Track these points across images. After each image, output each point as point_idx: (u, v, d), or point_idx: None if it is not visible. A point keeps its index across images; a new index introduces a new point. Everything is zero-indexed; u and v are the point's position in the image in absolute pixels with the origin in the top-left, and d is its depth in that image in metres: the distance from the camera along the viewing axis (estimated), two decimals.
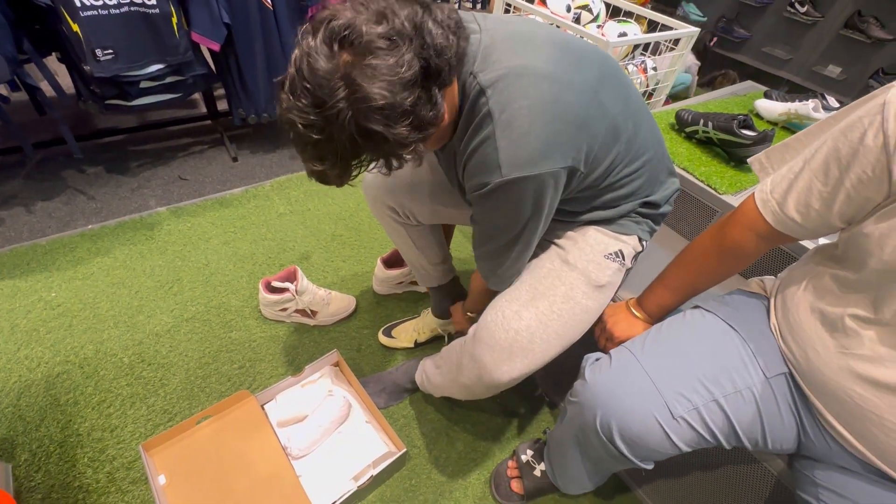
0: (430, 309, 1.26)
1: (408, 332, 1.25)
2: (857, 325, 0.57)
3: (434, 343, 1.30)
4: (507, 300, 0.82)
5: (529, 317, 0.78)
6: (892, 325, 0.53)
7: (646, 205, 0.84)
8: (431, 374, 1.02)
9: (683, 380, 0.65)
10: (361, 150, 0.58)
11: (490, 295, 0.89)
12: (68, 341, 1.18)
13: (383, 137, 0.55)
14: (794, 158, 0.65)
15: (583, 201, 0.79)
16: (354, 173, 0.63)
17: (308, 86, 0.53)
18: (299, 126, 0.55)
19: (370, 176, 1.04)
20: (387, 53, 0.53)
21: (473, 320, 1.01)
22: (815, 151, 0.59)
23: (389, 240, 1.60)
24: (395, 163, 0.62)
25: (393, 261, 1.38)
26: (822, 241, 0.86)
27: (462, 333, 1.14)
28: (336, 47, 0.53)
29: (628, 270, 0.89)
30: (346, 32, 0.53)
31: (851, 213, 0.57)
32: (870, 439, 0.57)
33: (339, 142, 0.55)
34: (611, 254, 0.83)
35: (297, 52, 0.54)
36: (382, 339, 1.26)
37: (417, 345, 1.26)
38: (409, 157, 0.62)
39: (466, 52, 0.64)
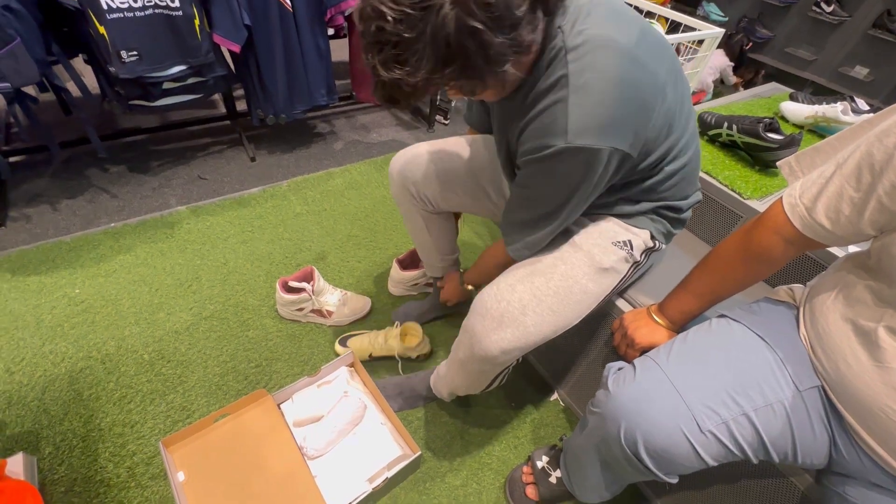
0: (390, 329, 1.24)
1: (363, 344, 1.21)
2: (891, 337, 0.55)
3: (389, 361, 1.25)
4: (504, 276, 0.82)
5: (523, 290, 0.78)
6: None
7: (667, 208, 0.83)
8: (440, 368, 1.04)
9: (711, 392, 0.63)
10: (452, 59, 0.51)
11: (499, 270, 0.87)
12: (91, 337, 1.21)
13: (482, 44, 0.50)
14: (824, 163, 0.63)
15: (612, 190, 0.77)
16: (434, 86, 0.55)
17: None
18: (389, 18, 0.48)
19: (396, 159, 1.05)
20: None
21: (469, 295, 1.03)
22: (847, 156, 0.57)
23: (405, 241, 1.61)
24: (479, 87, 0.57)
25: (409, 262, 1.38)
26: (853, 248, 0.83)
27: (449, 305, 1.19)
28: None
29: (637, 265, 0.87)
30: None
31: (884, 222, 0.55)
32: None
33: (430, 42, 0.49)
34: (619, 241, 0.82)
35: None
36: (338, 347, 1.23)
37: (372, 358, 1.23)
38: (494, 83, 0.58)
39: None
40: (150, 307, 1.29)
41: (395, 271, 1.37)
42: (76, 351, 1.17)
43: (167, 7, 1.33)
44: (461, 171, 1.01)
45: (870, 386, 0.56)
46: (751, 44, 2.77)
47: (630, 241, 0.83)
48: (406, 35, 0.49)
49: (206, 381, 1.15)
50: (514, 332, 0.77)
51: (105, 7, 1.24)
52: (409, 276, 1.38)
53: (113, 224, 1.53)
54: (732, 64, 2.63)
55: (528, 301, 0.77)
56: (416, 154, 1.03)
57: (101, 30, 1.27)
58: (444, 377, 1.02)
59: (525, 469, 1.04)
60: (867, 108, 1.27)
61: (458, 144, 1.03)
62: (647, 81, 0.63)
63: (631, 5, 1.63)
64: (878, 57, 2.59)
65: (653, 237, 0.85)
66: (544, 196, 0.70)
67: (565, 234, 0.83)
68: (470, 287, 1.09)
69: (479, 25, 0.49)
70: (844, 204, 0.57)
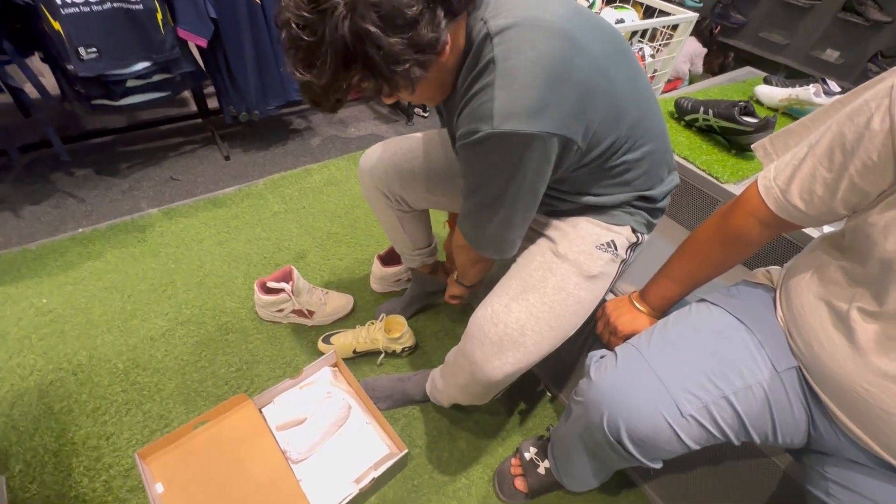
0: (373, 321, 1.22)
1: (347, 340, 1.20)
2: (862, 318, 0.55)
3: (372, 356, 1.23)
4: (496, 295, 0.80)
5: (519, 309, 0.76)
6: None
7: (642, 198, 0.82)
8: (437, 381, 1.01)
9: (691, 376, 0.63)
10: (352, 60, 0.53)
11: (477, 265, 0.88)
12: (61, 348, 1.16)
13: (376, 45, 0.51)
14: (798, 144, 0.63)
15: (577, 183, 0.76)
16: (343, 87, 0.57)
17: None
18: (293, 26, 0.52)
19: (365, 160, 1.02)
20: None
21: (465, 291, 1.06)
22: (819, 137, 0.57)
23: (386, 237, 1.58)
24: (386, 88, 0.58)
25: (390, 258, 1.36)
26: (828, 229, 0.84)
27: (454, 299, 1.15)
28: None
29: (624, 262, 0.87)
30: None
31: (855, 201, 0.55)
32: (878, 433, 0.56)
33: (330, 45, 0.51)
34: (602, 244, 0.81)
35: None
36: (321, 345, 1.21)
37: (356, 354, 1.21)
38: (402, 83, 0.58)
39: None
40: (122, 314, 1.25)
41: (377, 267, 1.35)
42: (45, 363, 1.13)
43: (127, 1, 1.27)
44: (435, 169, 0.98)
45: (842, 366, 0.56)
46: (719, 27, 2.80)
47: (613, 241, 0.82)
48: (309, 39, 0.52)
49: (185, 387, 1.12)
50: (516, 354, 0.77)
51: (59, 2, 1.18)
52: (391, 271, 1.36)
53: (81, 229, 1.47)
54: (706, 50, 2.65)
55: (525, 320, 0.76)
56: (387, 154, 0.99)
57: (56, 26, 1.21)
58: (444, 392, 0.99)
59: (513, 461, 1.04)
60: (838, 89, 1.28)
61: (430, 140, 1.00)
62: (583, 61, 0.61)
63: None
64: (847, 40, 2.64)
65: (634, 231, 0.85)
66: (482, 182, 0.68)
67: (549, 246, 0.82)
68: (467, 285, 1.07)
69: (371, 27, 0.50)
70: (818, 184, 0.57)
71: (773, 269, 0.77)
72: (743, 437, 0.65)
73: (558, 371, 1.17)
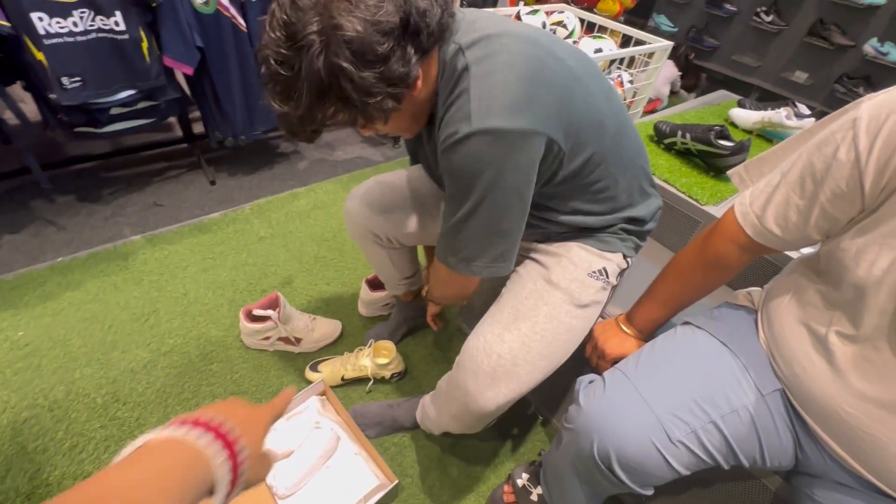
0: (361, 347, 1.21)
1: (335, 368, 1.18)
2: (841, 341, 0.56)
3: (361, 383, 1.21)
4: (488, 324, 0.80)
5: (512, 339, 0.76)
6: (872, 341, 0.53)
7: (630, 220, 0.84)
8: (428, 408, 1.00)
9: (679, 402, 0.63)
10: (326, 93, 0.56)
11: (446, 285, 0.83)
12: (37, 383, 1.12)
13: (349, 79, 0.54)
14: (771, 171, 0.65)
15: (563, 198, 0.77)
16: (319, 118, 0.59)
17: (285, 17, 0.53)
18: (271, 61, 0.54)
19: (351, 203, 1.01)
20: None
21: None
22: (791, 165, 0.60)
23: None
24: (360, 119, 0.61)
25: (378, 282, 1.35)
26: (806, 250, 0.87)
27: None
28: None
29: (614, 288, 0.88)
30: None
31: (828, 227, 0.57)
32: (861, 455, 0.57)
33: (306, 79, 0.54)
34: (595, 272, 0.82)
35: None
36: (309, 373, 1.19)
37: (345, 381, 1.19)
38: (376, 114, 0.59)
39: (450, 28, 0.63)
40: (102, 346, 1.22)
41: (365, 292, 1.34)
42: (20, 399, 1.08)
43: (112, 31, 1.28)
44: (425, 205, 0.98)
45: (824, 389, 0.57)
46: (694, 54, 2.92)
47: (605, 269, 0.84)
48: (286, 74, 0.54)
49: (167, 421, 1.08)
50: (509, 385, 0.77)
51: (42, 32, 1.18)
52: (380, 296, 1.35)
53: (60, 258, 1.44)
54: (680, 73, 2.76)
55: (517, 350, 0.76)
56: (374, 196, 0.99)
57: (39, 56, 1.20)
58: (435, 420, 0.98)
59: (506, 488, 1.02)
60: (808, 112, 1.33)
61: (417, 177, 1.00)
62: (557, 65, 0.63)
63: (583, 21, 1.68)
64: (814, 62, 2.77)
65: (625, 257, 0.86)
66: (467, 191, 0.64)
67: (541, 273, 0.82)
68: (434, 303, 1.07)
69: (343, 63, 0.53)
70: (791, 211, 0.59)
71: (754, 290, 0.79)
72: (731, 460, 0.66)
73: (549, 395, 1.16)
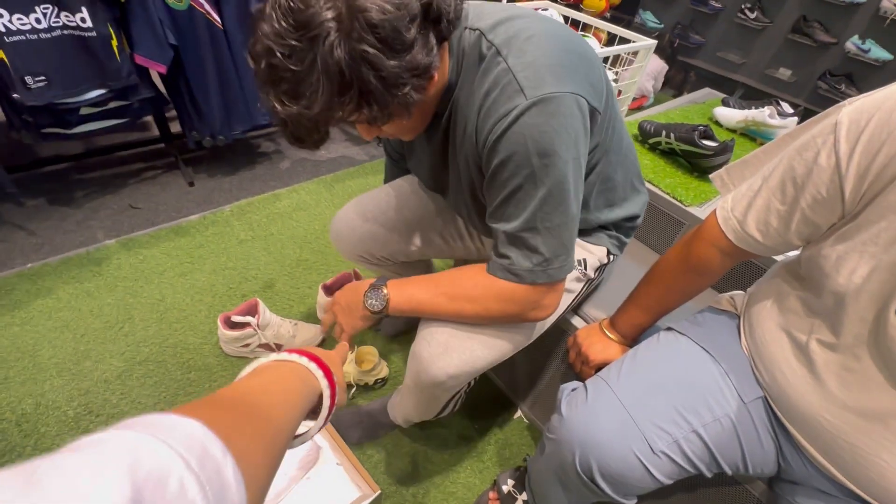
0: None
1: None
2: (821, 349, 0.56)
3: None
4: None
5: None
6: (852, 349, 0.53)
7: (624, 219, 0.83)
8: (395, 394, 0.99)
9: (661, 411, 0.62)
10: (347, 87, 0.49)
11: (504, 301, 0.70)
12: (4, 396, 1.08)
13: (375, 68, 0.49)
14: (753, 175, 0.64)
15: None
16: (336, 117, 0.53)
17: (293, 4, 0.46)
18: (277, 55, 0.47)
19: (336, 228, 0.98)
20: None
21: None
22: (772, 169, 0.59)
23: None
24: (379, 114, 0.53)
25: (336, 287, 1.32)
26: (790, 253, 0.86)
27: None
28: None
29: (591, 281, 0.87)
30: None
31: (808, 233, 0.57)
32: (842, 464, 0.56)
33: (323, 72, 0.48)
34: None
35: None
36: None
37: None
38: (399, 110, 0.55)
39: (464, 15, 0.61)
40: (74, 356, 1.17)
41: (321, 297, 1.31)
42: None
43: (78, 28, 1.23)
44: (413, 219, 0.95)
45: (805, 397, 0.57)
46: (676, 41, 2.93)
47: (584, 260, 0.82)
48: (296, 68, 0.48)
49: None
50: (461, 356, 0.73)
51: (2, 29, 1.12)
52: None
53: (30, 264, 1.39)
54: (667, 67, 2.76)
55: (475, 324, 0.74)
56: (357, 220, 0.96)
57: (0, 54, 1.15)
58: (398, 404, 0.98)
59: (491, 495, 1.01)
60: (791, 111, 1.33)
61: (401, 191, 0.97)
62: (576, 37, 0.63)
63: (567, 18, 1.66)
64: (798, 59, 2.79)
65: (609, 253, 0.85)
66: (536, 173, 0.58)
67: None
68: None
69: (369, 49, 0.48)
70: (772, 216, 0.58)
71: (737, 294, 0.78)
72: (714, 469, 0.65)
73: (534, 397, 1.15)
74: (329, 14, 0.46)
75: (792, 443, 0.62)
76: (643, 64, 1.40)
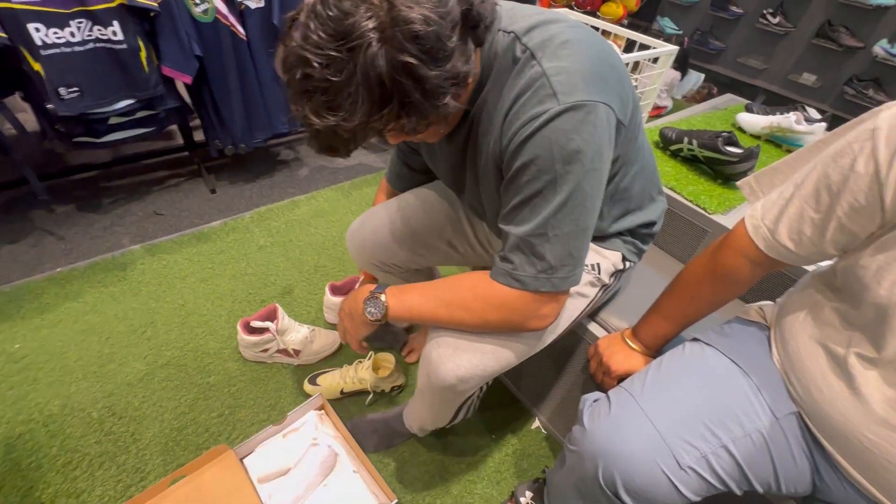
0: (361, 360, 1.18)
1: (334, 380, 1.16)
2: (861, 364, 0.53)
3: (360, 396, 1.19)
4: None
5: None
6: (895, 364, 0.50)
7: (639, 225, 0.82)
8: (410, 402, 0.99)
9: (688, 425, 0.60)
10: (388, 98, 0.48)
11: (501, 310, 0.69)
12: (32, 397, 1.10)
13: (417, 79, 0.47)
14: (783, 183, 0.62)
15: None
16: (375, 129, 0.52)
17: (332, 14, 0.45)
18: (314, 65, 0.46)
19: (350, 237, 1.00)
20: None
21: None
22: (805, 177, 0.57)
23: None
24: (418, 124, 0.53)
25: (344, 289, 1.33)
26: (823, 263, 0.83)
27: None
28: None
29: (606, 287, 0.85)
30: None
31: (845, 242, 0.54)
32: (884, 485, 0.53)
33: (363, 83, 0.46)
34: (587, 265, 0.79)
35: None
36: (307, 387, 1.16)
37: (344, 394, 1.17)
38: (437, 119, 0.54)
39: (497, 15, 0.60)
40: (99, 358, 1.20)
41: (327, 297, 1.31)
42: (15, 414, 1.07)
43: (109, 41, 1.27)
44: (418, 231, 0.96)
45: (844, 414, 0.54)
46: (687, 40, 2.86)
47: (598, 265, 0.81)
48: (335, 79, 0.46)
49: (163, 436, 1.06)
50: (472, 358, 0.71)
51: (39, 43, 1.17)
52: (340, 302, 1.32)
53: (59, 269, 1.43)
54: (679, 75, 2.71)
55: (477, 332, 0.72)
56: (368, 231, 0.98)
57: (37, 67, 1.20)
58: (412, 411, 0.98)
59: None
60: (818, 117, 1.30)
61: (408, 205, 0.98)
62: (608, 46, 0.62)
63: (588, 25, 1.66)
64: (822, 64, 2.73)
65: (624, 259, 0.83)
66: (556, 177, 0.57)
67: None
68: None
69: (412, 60, 0.46)
70: (806, 225, 0.56)
71: (766, 305, 0.76)
72: (744, 486, 0.62)
73: (552, 408, 1.13)
74: (370, 24, 0.45)
75: (828, 461, 0.60)
76: (664, 70, 1.39)
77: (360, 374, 1.15)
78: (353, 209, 1.83)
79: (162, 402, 1.13)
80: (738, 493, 0.63)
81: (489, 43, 0.61)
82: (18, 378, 1.14)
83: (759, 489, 0.62)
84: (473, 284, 0.68)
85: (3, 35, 1.14)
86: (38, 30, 1.16)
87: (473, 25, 0.52)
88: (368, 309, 0.72)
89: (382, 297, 0.72)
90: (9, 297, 1.32)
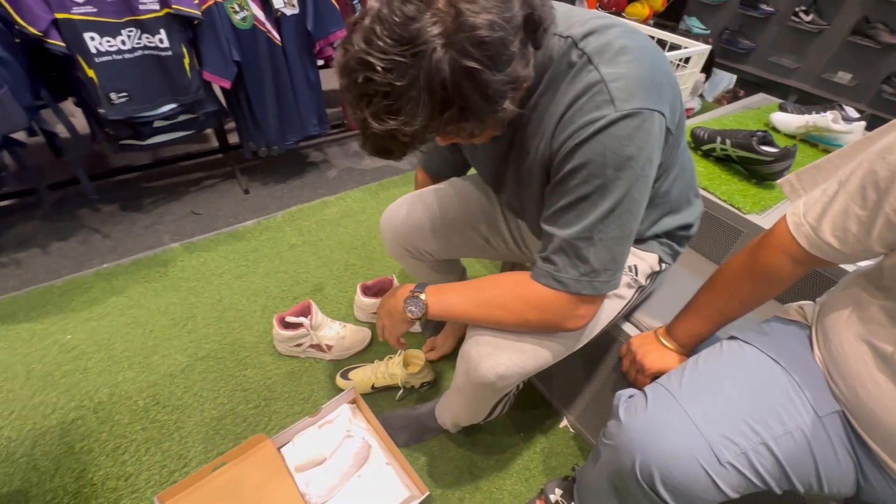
0: (391, 356, 1.21)
1: (365, 375, 1.18)
2: None
3: (391, 391, 1.21)
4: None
5: None
6: None
7: (675, 226, 0.82)
8: (443, 397, 1.00)
9: (727, 421, 0.60)
10: (449, 103, 0.49)
11: (540, 310, 0.70)
12: (83, 385, 1.17)
13: (480, 84, 0.48)
14: (826, 180, 0.62)
15: None
16: (434, 132, 0.52)
17: (397, 19, 0.45)
18: (378, 69, 0.46)
19: (384, 221, 1.02)
20: None
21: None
22: (850, 173, 0.56)
23: (399, 268, 1.59)
24: (476, 129, 0.54)
25: (374, 290, 1.36)
26: (864, 263, 0.82)
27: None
28: None
29: (641, 289, 0.85)
30: None
31: (893, 239, 0.54)
32: None
33: (425, 88, 0.47)
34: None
35: None
36: (339, 381, 1.19)
37: (375, 389, 1.19)
38: (496, 123, 0.55)
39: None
40: (143, 350, 1.26)
41: (358, 297, 1.34)
42: (67, 401, 1.13)
43: (156, 48, 1.34)
44: (452, 222, 0.97)
45: (890, 412, 0.54)
46: (711, 41, 2.80)
47: (635, 266, 0.81)
48: (398, 84, 0.47)
49: (203, 425, 1.11)
50: (512, 356, 0.73)
51: (94, 51, 1.24)
52: (370, 303, 1.35)
53: (105, 265, 1.51)
54: (703, 76, 2.67)
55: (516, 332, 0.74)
56: (401, 214, 0.99)
57: (90, 73, 1.27)
58: (446, 407, 1.00)
59: (538, 502, 1.00)
60: (856, 115, 1.27)
61: (445, 195, 0.99)
62: (661, 54, 0.62)
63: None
64: (859, 62, 2.64)
65: (661, 261, 0.84)
66: (606, 183, 0.58)
67: None
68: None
69: (476, 65, 0.47)
70: (851, 222, 0.56)
71: (806, 304, 0.75)
72: (785, 485, 0.62)
73: (582, 407, 1.13)
74: (436, 29, 0.45)
75: (874, 461, 0.59)
76: (695, 70, 1.38)
77: (390, 370, 1.18)
78: (381, 209, 1.86)
79: (202, 392, 1.18)
80: (778, 492, 0.62)
81: (544, 47, 0.61)
82: (70, 367, 1.21)
83: (801, 489, 0.62)
84: (513, 285, 0.69)
85: (62, 44, 1.21)
86: (93, 38, 1.23)
87: (533, 29, 0.53)
88: (409, 308, 0.74)
89: (422, 296, 0.74)
90: (60, 291, 1.40)
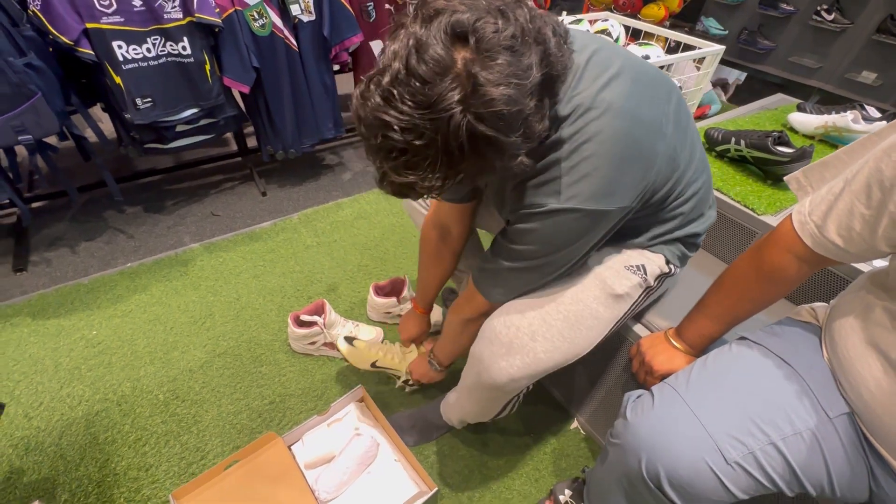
0: (406, 350, 1.21)
1: (371, 350, 1.17)
2: None
3: (390, 378, 1.23)
4: (514, 300, 0.79)
5: (534, 315, 0.75)
6: None
7: (683, 236, 0.82)
8: (450, 394, 1.02)
9: (735, 421, 0.60)
10: (465, 161, 0.50)
11: (469, 331, 0.88)
12: (107, 379, 1.21)
13: (496, 148, 0.50)
14: (834, 178, 0.61)
15: (625, 228, 0.75)
16: (448, 186, 0.54)
17: (417, 83, 0.45)
18: (395, 129, 0.47)
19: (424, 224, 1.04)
20: (512, 55, 0.47)
21: (443, 376, 1.08)
22: (856, 171, 0.56)
23: (414, 269, 1.60)
24: (490, 180, 0.61)
25: (387, 290, 1.38)
26: (878, 263, 0.80)
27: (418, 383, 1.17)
28: (454, 42, 0.46)
29: (650, 289, 0.85)
30: (467, 28, 0.46)
31: None
32: None
33: (442, 149, 0.48)
34: (632, 266, 0.80)
35: (399, 42, 0.47)
36: (341, 344, 1.17)
37: (374, 367, 1.18)
38: (503, 176, 0.59)
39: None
40: (164, 346, 1.30)
41: (371, 297, 1.36)
42: (93, 393, 1.18)
43: (179, 55, 1.39)
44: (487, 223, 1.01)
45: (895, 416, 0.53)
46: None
47: (644, 266, 0.81)
48: (416, 143, 0.48)
49: (221, 419, 1.14)
50: (524, 359, 0.75)
51: (121, 59, 1.30)
52: (382, 303, 1.36)
53: (129, 264, 1.57)
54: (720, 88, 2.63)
55: (538, 327, 0.75)
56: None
57: (118, 80, 1.33)
58: (454, 404, 1.00)
59: (548, 503, 1.00)
60: (878, 115, 1.24)
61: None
62: (646, 135, 0.62)
63: (628, 28, 1.65)
64: (884, 61, 2.57)
65: (668, 262, 0.83)
66: (530, 252, 0.69)
67: None
68: (439, 368, 1.06)
69: (492, 133, 0.48)
70: (856, 221, 0.55)
71: (819, 306, 0.74)
72: (796, 487, 0.61)
73: (592, 408, 1.13)
74: (456, 95, 0.46)
75: (884, 466, 0.58)
76: (710, 71, 1.37)
77: (398, 356, 1.17)
78: (395, 212, 1.89)
79: (220, 388, 1.21)
80: (790, 494, 0.61)
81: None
82: (95, 361, 1.26)
83: (812, 492, 0.61)
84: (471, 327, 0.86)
85: (91, 52, 1.27)
86: (120, 47, 1.29)
87: (551, 86, 0.54)
88: (434, 366, 1.05)
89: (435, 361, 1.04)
90: (87, 289, 1.46)
